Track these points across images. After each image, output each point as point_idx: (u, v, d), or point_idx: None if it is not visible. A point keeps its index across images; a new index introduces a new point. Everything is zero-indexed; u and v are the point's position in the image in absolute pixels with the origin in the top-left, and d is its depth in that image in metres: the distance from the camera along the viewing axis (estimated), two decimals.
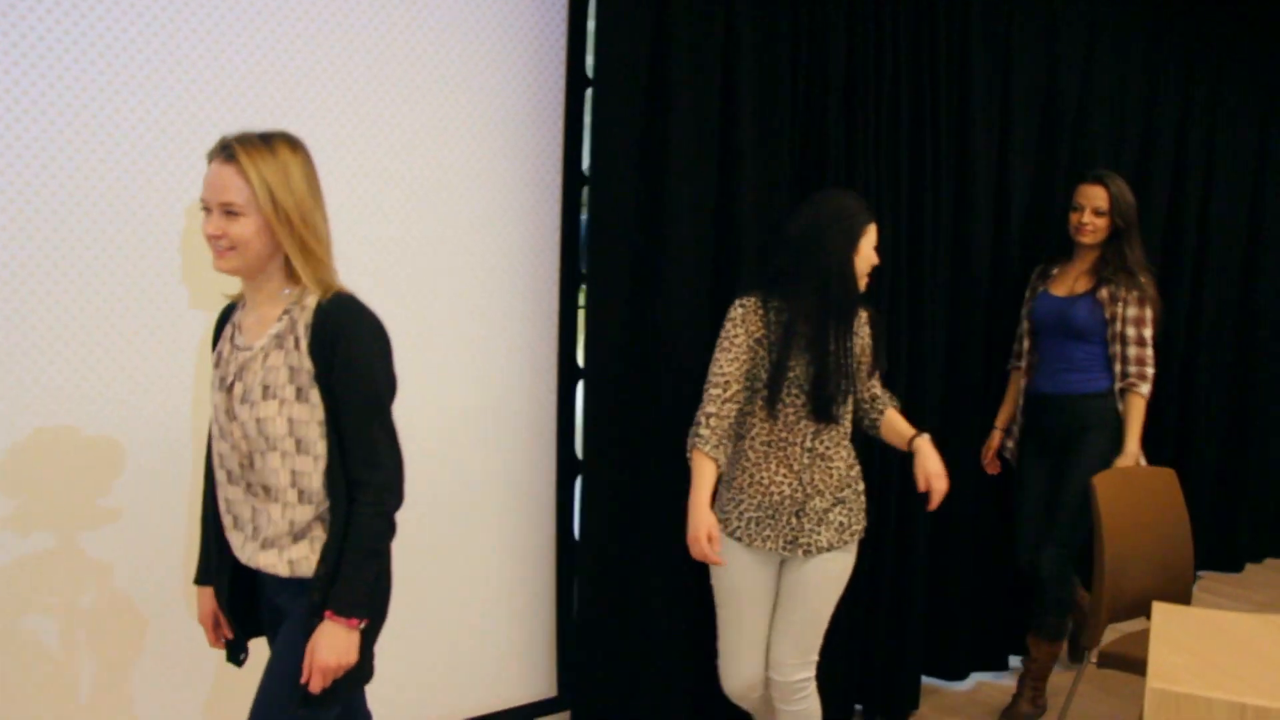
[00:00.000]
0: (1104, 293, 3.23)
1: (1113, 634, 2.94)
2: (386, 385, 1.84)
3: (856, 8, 3.11)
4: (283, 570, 1.83)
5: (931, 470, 2.48)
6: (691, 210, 2.87)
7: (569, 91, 2.95)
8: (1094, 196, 3.25)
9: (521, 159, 2.91)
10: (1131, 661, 2.76)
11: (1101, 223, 3.25)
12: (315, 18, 2.56)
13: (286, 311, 1.80)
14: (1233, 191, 4.67)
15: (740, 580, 2.49)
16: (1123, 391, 3.21)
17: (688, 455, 2.41)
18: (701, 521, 2.32)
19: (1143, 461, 3.19)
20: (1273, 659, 1.99)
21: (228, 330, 1.90)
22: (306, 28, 2.54)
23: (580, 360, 3.04)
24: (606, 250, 2.84)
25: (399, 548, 1.95)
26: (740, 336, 2.40)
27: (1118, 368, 3.23)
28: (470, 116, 2.81)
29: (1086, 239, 3.27)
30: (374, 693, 2.25)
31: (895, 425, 2.59)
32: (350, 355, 1.77)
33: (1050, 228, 3.64)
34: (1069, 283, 3.33)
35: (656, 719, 2.95)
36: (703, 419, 2.38)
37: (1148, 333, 3.19)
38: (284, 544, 1.82)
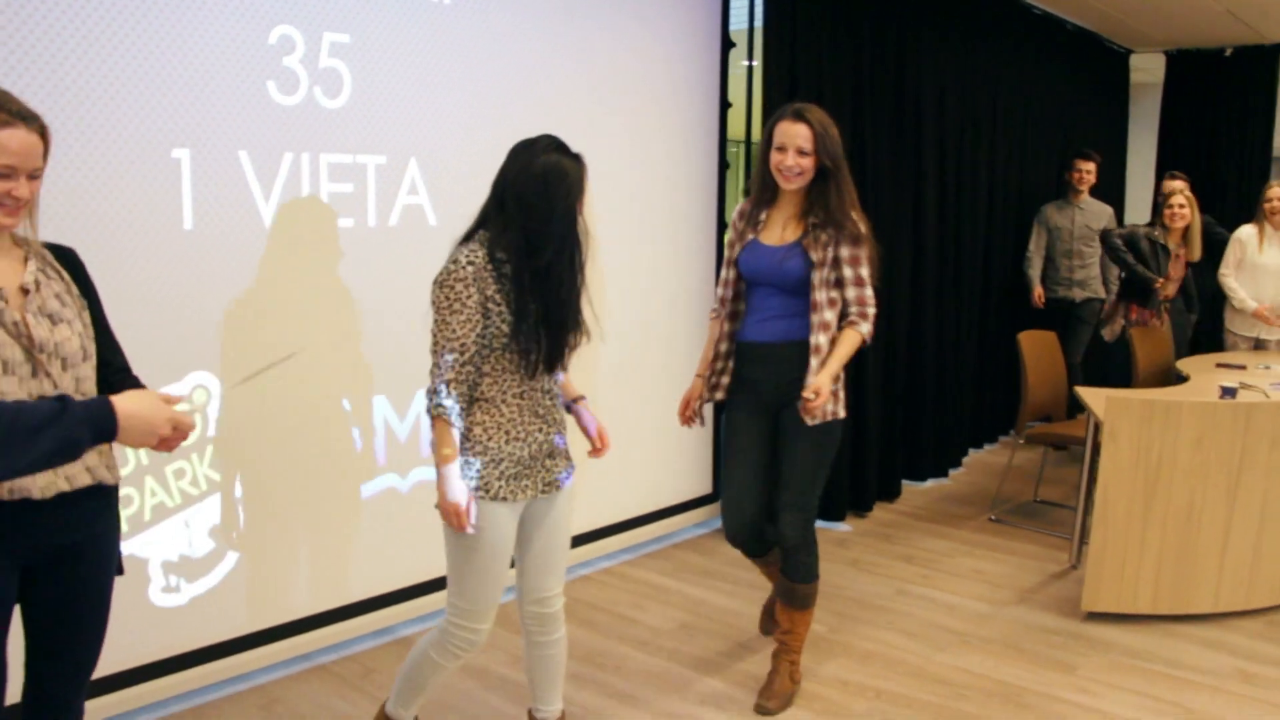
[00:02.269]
0: (815, 238, 2.96)
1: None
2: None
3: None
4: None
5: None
6: None
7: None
8: (797, 135, 2.92)
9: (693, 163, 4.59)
10: (1050, 437, 4.93)
11: (808, 163, 2.92)
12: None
13: (28, 257, 1.93)
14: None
15: (496, 536, 2.44)
16: (844, 328, 3.00)
17: (431, 423, 2.37)
18: (459, 492, 2.33)
19: (841, 396, 3.05)
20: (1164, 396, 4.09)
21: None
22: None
23: None
24: None
25: (598, 381, 3.41)
26: (474, 297, 2.32)
27: (830, 313, 2.97)
28: (664, 136, 4.45)
29: (793, 184, 2.96)
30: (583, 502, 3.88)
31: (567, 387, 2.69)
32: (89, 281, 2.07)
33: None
34: (778, 230, 3.03)
35: None
36: (443, 386, 2.33)
37: (864, 272, 2.97)
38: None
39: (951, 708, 3.17)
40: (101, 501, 2.00)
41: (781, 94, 4.48)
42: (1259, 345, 5.63)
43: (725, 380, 3.15)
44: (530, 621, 2.62)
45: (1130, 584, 3.76)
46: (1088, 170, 6.19)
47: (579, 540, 4.16)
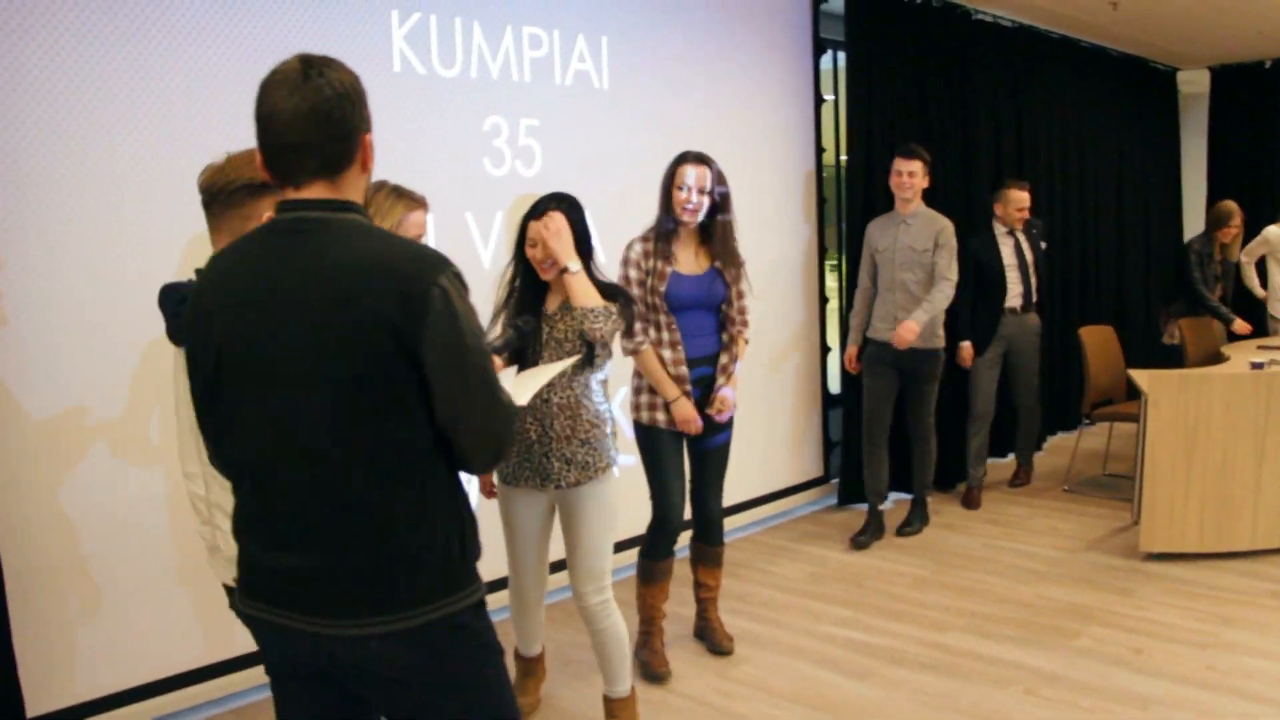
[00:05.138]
0: (721, 265, 3.52)
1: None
2: None
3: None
4: None
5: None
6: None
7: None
8: (701, 176, 3.44)
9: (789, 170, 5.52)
10: (1112, 415, 5.74)
11: (705, 201, 3.45)
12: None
13: None
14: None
15: (507, 514, 3.10)
16: (734, 339, 3.58)
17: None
18: None
19: (733, 397, 3.58)
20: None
21: None
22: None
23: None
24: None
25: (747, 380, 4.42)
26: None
27: (732, 327, 3.58)
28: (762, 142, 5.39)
29: (694, 220, 3.46)
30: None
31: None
32: None
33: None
34: (691, 261, 3.51)
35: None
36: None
37: (745, 287, 3.58)
38: None
39: (1032, 620, 4.02)
40: None
41: (861, 135, 5.45)
42: None
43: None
44: (581, 611, 3.10)
45: (1179, 527, 4.56)
46: (909, 172, 4.78)
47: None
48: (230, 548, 1.92)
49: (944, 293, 4.79)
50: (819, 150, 5.63)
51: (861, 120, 5.50)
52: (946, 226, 4.85)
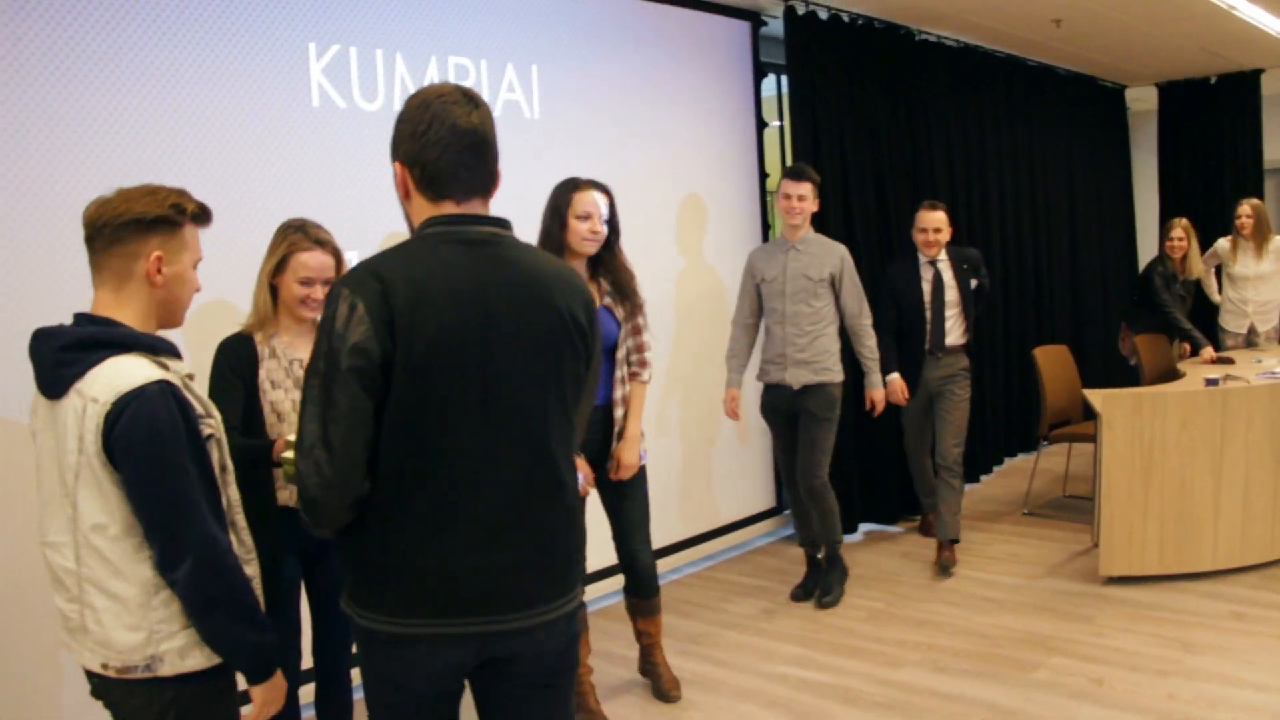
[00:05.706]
0: (612, 302, 3.28)
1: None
2: None
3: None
4: None
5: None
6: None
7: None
8: (599, 203, 3.23)
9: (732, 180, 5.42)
10: (1068, 436, 5.65)
11: (603, 231, 3.23)
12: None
13: None
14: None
15: None
16: (631, 385, 3.37)
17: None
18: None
19: (645, 445, 3.43)
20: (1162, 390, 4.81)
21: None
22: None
23: None
24: None
25: (665, 414, 4.41)
26: None
27: (627, 371, 3.37)
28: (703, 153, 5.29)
29: (592, 249, 3.23)
30: (659, 511, 4.68)
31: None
32: None
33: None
34: None
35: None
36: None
37: (642, 322, 3.37)
38: None
39: (990, 652, 3.89)
40: None
41: (807, 159, 5.35)
42: (1250, 341, 6.31)
43: None
44: None
45: (1139, 549, 4.46)
46: (799, 195, 4.31)
47: (673, 549, 4.94)
48: (103, 628, 1.79)
49: (871, 335, 4.47)
50: (763, 176, 5.54)
51: (808, 144, 5.40)
52: (845, 254, 4.40)
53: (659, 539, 4.09)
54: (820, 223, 5.37)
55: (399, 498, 1.71)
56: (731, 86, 5.35)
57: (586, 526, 2.01)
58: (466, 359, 1.70)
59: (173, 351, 1.88)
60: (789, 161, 5.66)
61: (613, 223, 3.28)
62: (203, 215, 1.91)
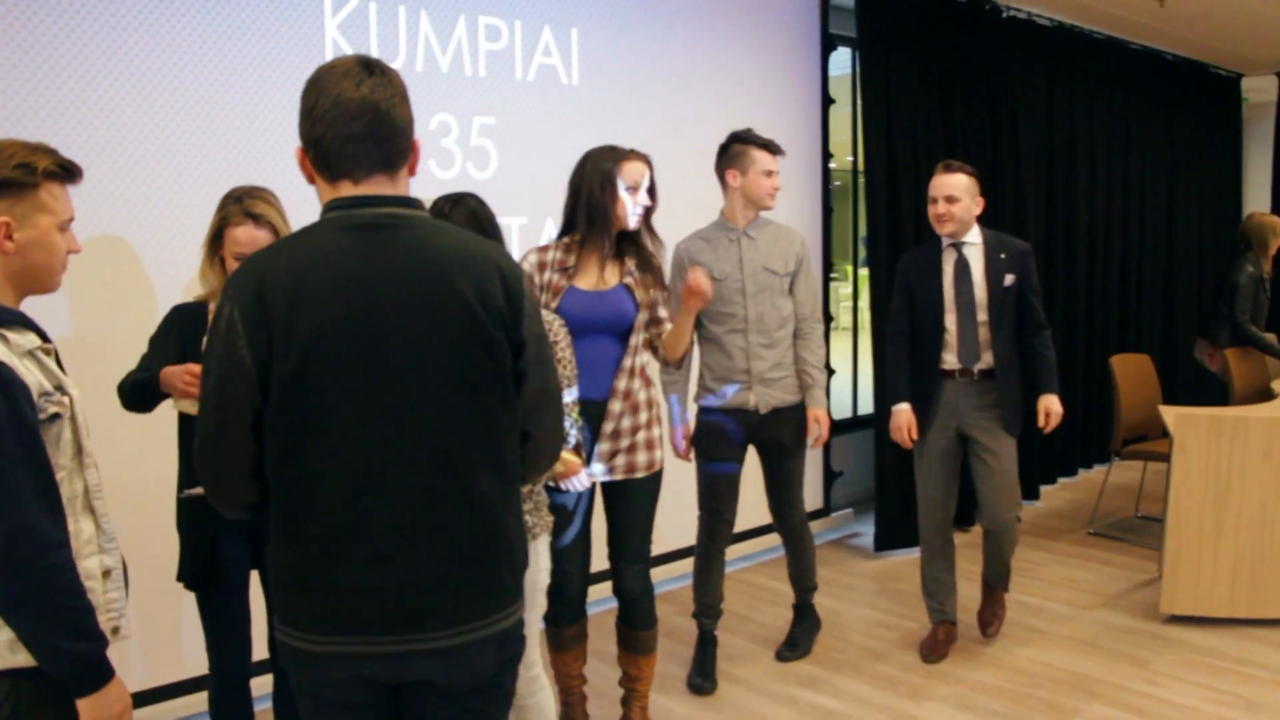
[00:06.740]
0: (634, 281, 2.94)
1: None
2: None
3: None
4: None
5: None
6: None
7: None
8: (646, 174, 2.95)
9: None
10: (1142, 454, 5.21)
11: (646, 201, 2.94)
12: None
13: None
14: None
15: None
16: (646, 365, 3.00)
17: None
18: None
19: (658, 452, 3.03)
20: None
21: None
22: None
23: None
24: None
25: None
26: None
27: (643, 356, 2.97)
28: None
29: (636, 223, 2.94)
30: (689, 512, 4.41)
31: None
32: None
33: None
34: (594, 275, 2.93)
35: None
36: None
37: (664, 312, 3.02)
38: None
39: (1025, 693, 3.55)
40: None
41: (880, 140, 4.98)
42: None
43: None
44: None
45: (1207, 588, 4.05)
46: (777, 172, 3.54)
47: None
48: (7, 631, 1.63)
49: (821, 343, 3.60)
50: (826, 156, 5.19)
51: (880, 124, 5.03)
52: (804, 241, 3.60)
53: (687, 539, 3.85)
54: (893, 214, 5.07)
55: (291, 516, 1.60)
56: (795, 57, 5.00)
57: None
58: (346, 359, 1.54)
59: (21, 321, 1.70)
60: (860, 143, 5.29)
61: (652, 195, 3.01)
62: (64, 172, 1.72)
